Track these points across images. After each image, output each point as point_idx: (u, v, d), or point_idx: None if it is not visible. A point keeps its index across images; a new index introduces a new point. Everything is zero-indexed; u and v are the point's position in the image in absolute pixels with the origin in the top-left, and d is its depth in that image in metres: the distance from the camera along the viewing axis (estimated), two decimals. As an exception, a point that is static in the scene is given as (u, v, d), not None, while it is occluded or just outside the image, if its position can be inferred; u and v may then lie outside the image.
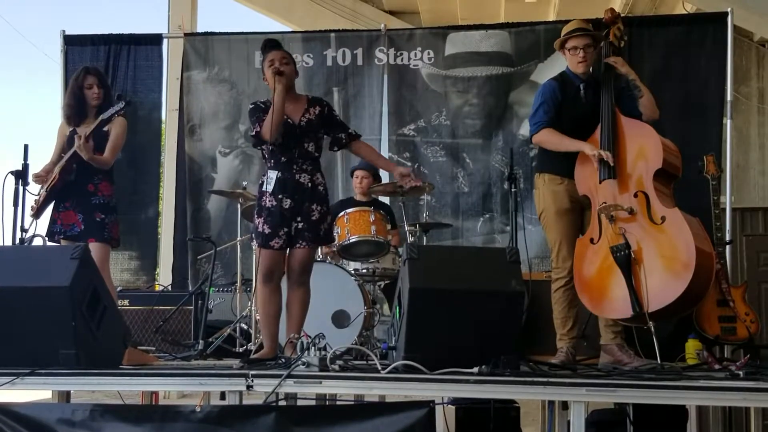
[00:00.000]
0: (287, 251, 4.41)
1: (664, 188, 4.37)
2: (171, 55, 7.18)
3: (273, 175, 4.37)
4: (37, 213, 4.73)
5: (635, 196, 4.31)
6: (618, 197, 4.35)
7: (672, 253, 4.16)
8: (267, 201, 4.37)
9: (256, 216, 4.42)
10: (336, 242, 5.48)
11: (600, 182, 4.39)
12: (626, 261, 4.21)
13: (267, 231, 4.33)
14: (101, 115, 4.59)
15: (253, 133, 4.39)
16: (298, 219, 4.35)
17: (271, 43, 4.54)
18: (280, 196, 4.34)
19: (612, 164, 4.35)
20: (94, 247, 4.48)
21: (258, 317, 4.78)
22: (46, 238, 4.75)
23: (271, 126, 4.26)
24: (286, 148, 4.37)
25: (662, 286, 4.14)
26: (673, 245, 4.16)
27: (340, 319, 5.24)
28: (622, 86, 4.62)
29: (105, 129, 4.66)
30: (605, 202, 4.34)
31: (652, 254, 4.20)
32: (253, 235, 4.45)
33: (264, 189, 4.39)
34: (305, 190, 4.36)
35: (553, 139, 4.55)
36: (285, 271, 4.45)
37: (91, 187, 4.71)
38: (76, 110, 4.77)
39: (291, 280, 4.42)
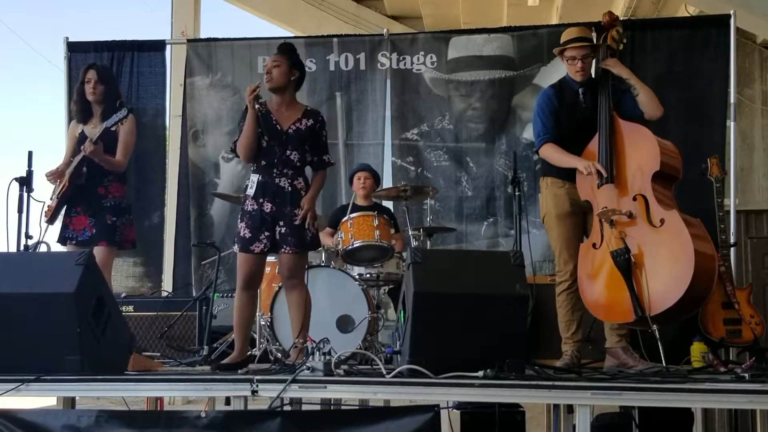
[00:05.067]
0: (268, 257, 4.47)
1: (664, 190, 4.37)
2: (174, 61, 7.19)
3: (255, 178, 4.39)
4: (51, 218, 4.71)
5: (634, 199, 4.31)
6: (617, 201, 4.35)
7: (671, 255, 4.16)
8: (248, 205, 4.39)
9: (239, 221, 4.43)
10: (340, 247, 5.49)
11: (598, 187, 4.40)
12: (627, 265, 4.21)
13: (248, 235, 4.34)
14: (105, 122, 4.57)
15: (232, 146, 4.48)
16: (281, 224, 4.34)
17: (280, 47, 4.53)
18: (261, 200, 4.35)
19: (605, 174, 4.36)
20: (99, 250, 4.46)
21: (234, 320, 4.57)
22: (59, 243, 4.74)
23: (244, 148, 4.35)
24: (268, 152, 4.37)
25: (663, 289, 4.13)
26: (672, 248, 4.16)
27: (345, 323, 5.23)
28: (624, 89, 4.63)
29: (113, 129, 4.64)
30: (605, 207, 4.34)
31: (653, 258, 4.20)
32: (235, 239, 4.45)
33: (247, 193, 4.40)
34: (285, 194, 4.36)
35: (553, 156, 4.59)
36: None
37: (102, 189, 4.70)
38: (79, 107, 4.78)
39: (283, 285, 4.49)
